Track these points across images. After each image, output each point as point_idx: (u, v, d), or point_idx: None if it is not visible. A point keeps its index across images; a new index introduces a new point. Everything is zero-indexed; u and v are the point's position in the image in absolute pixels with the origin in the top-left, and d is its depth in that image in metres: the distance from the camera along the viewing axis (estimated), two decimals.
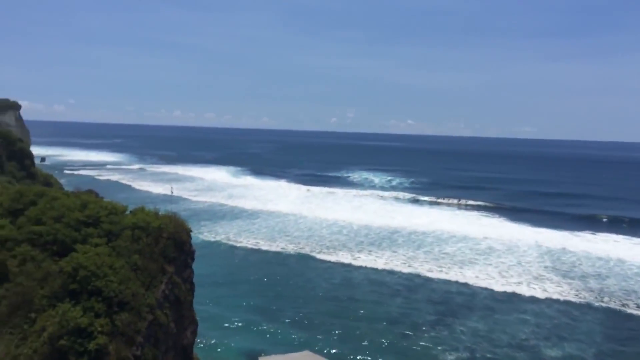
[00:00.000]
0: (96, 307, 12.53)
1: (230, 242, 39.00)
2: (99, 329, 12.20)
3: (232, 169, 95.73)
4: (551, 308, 26.85)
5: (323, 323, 23.96)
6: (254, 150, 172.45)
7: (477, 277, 31.85)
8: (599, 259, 36.99)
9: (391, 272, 32.50)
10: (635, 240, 43.71)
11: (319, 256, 35.90)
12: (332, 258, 35.37)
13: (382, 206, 58.85)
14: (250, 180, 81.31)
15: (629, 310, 26.87)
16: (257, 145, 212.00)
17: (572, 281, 31.53)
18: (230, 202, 57.67)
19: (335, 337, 22.45)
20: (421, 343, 21.97)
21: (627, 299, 28.43)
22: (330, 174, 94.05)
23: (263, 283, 29.97)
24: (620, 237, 44.75)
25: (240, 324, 23.59)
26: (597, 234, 45.55)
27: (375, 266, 33.71)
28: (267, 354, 19.62)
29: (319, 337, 22.50)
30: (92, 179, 74.03)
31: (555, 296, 28.72)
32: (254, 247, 37.96)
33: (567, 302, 27.69)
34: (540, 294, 28.85)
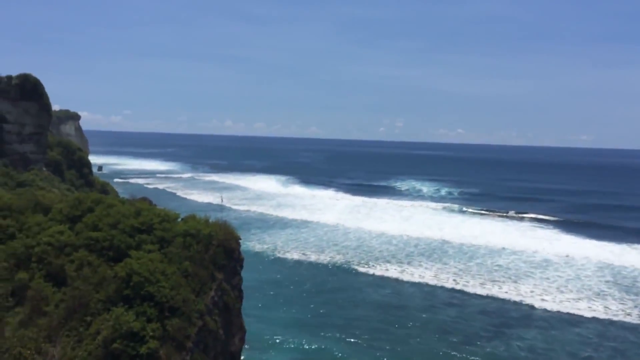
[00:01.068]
0: (148, 312, 12.94)
1: (278, 251, 39.22)
2: (151, 333, 12.57)
3: (281, 177, 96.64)
4: (614, 325, 25.74)
5: (372, 337, 23.73)
6: (302, 160, 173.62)
7: (532, 291, 30.78)
8: None
9: (442, 285, 31.89)
10: None
11: (367, 267, 35.61)
12: (381, 269, 35.02)
13: (431, 216, 57.91)
14: (298, 189, 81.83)
15: None
16: (305, 155, 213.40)
17: (636, 297, 30.11)
18: (279, 211, 58.10)
19: (384, 351, 22.27)
20: (476, 358, 21.45)
21: None
22: (378, 184, 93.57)
23: (311, 293, 29.96)
24: None
25: (287, 333, 23.63)
26: None
27: (425, 278, 33.10)
28: None
29: (366, 348, 22.37)
30: (142, 187, 76.24)
31: (617, 313, 27.44)
32: (302, 257, 38.04)
33: (630, 320, 26.48)
34: (602, 310, 27.72)
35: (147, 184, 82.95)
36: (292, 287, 30.83)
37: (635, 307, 28.32)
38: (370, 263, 36.43)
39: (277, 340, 22.85)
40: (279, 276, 33.01)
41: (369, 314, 26.64)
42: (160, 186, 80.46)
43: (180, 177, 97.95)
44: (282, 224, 50.91)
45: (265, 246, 40.68)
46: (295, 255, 38.12)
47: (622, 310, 27.60)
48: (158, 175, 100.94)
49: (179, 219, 17.14)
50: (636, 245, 43.64)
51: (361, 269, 34.89)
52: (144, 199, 20.63)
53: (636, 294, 30.59)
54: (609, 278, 33.90)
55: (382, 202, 68.06)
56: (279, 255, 38.24)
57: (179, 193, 72.44)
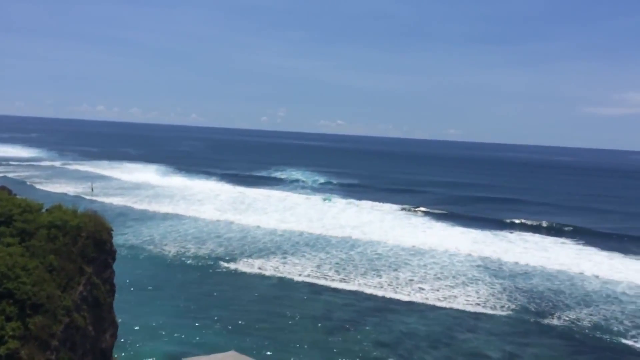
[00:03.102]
0: (7, 310, 11.84)
1: (156, 245, 37.28)
2: (11, 332, 11.60)
3: (159, 167, 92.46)
4: (487, 306, 27.50)
5: (252, 326, 23.33)
6: (182, 148, 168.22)
7: (411, 279, 31.85)
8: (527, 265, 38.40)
9: (325, 274, 32.11)
10: (559, 239, 45.86)
11: (251, 259, 34.99)
12: (264, 260, 34.60)
13: (313, 207, 58.58)
14: (178, 179, 78.81)
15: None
16: (186, 143, 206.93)
17: (503, 281, 32.38)
18: (157, 203, 55.41)
19: (263, 337, 21.99)
20: (362, 344, 21.81)
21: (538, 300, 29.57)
22: (260, 174, 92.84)
23: (190, 286, 28.80)
24: (548, 240, 46.51)
25: (164, 326, 22.54)
26: (525, 235, 47.55)
27: (308, 268, 33.20)
28: (190, 355, 19.07)
29: (246, 338, 21.95)
30: (3, 176, 69.23)
31: (489, 297, 29.34)
32: (182, 249, 36.49)
33: (499, 302, 28.47)
34: (474, 294, 29.45)
35: (5, 172, 75.18)
36: (170, 280, 29.40)
37: (504, 290, 30.39)
38: (254, 254, 35.78)
39: (153, 334, 21.71)
40: (156, 269, 31.40)
41: (250, 305, 26.09)
42: (23, 174, 73.60)
43: (46, 165, 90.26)
44: (161, 215, 48.65)
45: (142, 239, 38.58)
46: (174, 248, 36.46)
47: (492, 295, 29.43)
48: (18, 162, 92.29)
49: (43, 210, 15.58)
50: (500, 233, 47.27)
51: (244, 260, 34.14)
52: (3, 188, 18.40)
53: (503, 278, 32.86)
54: (479, 263, 36.17)
55: (264, 193, 67.58)
56: (156, 248, 36.37)
57: (44, 182, 66.54)
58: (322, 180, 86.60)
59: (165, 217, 48.18)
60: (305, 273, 32.08)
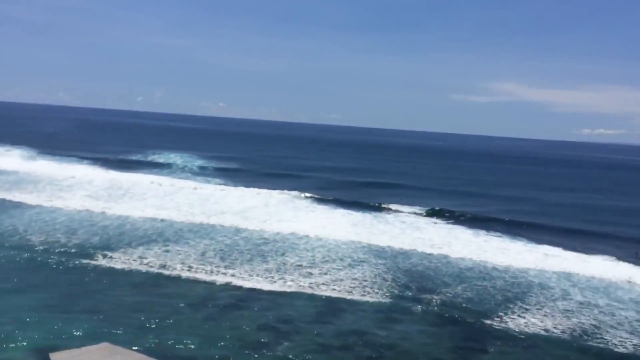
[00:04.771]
0: None
1: (20, 235, 33.87)
2: None
3: (21, 150, 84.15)
4: (374, 286, 28.08)
5: (123, 315, 21.96)
6: (49, 129, 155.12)
7: (299, 265, 31.94)
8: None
9: (210, 260, 30.98)
10: (431, 219, 48.42)
11: (129, 247, 32.83)
12: (145, 248, 32.61)
13: (195, 191, 56.65)
14: (45, 163, 71.97)
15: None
16: (53, 124, 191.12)
17: (385, 261, 33.32)
18: (20, 191, 50.31)
19: (138, 327, 20.71)
20: (243, 329, 21.29)
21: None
22: (137, 158, 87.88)
23: (58, 277, 26.44)
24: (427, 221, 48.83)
25: (31, 321, 20.37)
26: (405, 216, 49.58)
27: (192, 256, 31.90)
28: (61, 349, 17.61)
29: (120, 328, 20.50)
30: None
31: (375, 278, 29.97)
32: (50, 239, 33.42)
33: (384, 280, 29.19)
34: (360, 275, 29.98)
35: None
36: (37, 273, 26.64)
37: (388, 270, 31.22)
38: (133, 243, 33.49)
39: (20, 328, 19.53)
40: (21, 262, 28.37)
41: (127, 295, 24.33)
42: None
43: None
44: (25, 204, 44.31)
45: (3, 229, 34.84)
46: (41, 239, 33.07)
47: (379, 275, 30.15)
48: None
49: None
50: (379, 214, 49.01)
51: (122, 249, 31.85)
52: None
53: (385, 258, 33.80)
54: (363, 245, 36.95)
55: (142, 178, 63.98)
56: (21, 239, 32.94)
57: None
58: (203, 164, 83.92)
59: (31, 205, 43.92)
60: (189, 261, 30.76)
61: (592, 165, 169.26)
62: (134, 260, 30.25)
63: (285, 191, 59.06)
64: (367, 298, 26.31)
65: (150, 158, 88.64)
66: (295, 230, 40.22)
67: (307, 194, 58.06)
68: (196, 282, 27.45)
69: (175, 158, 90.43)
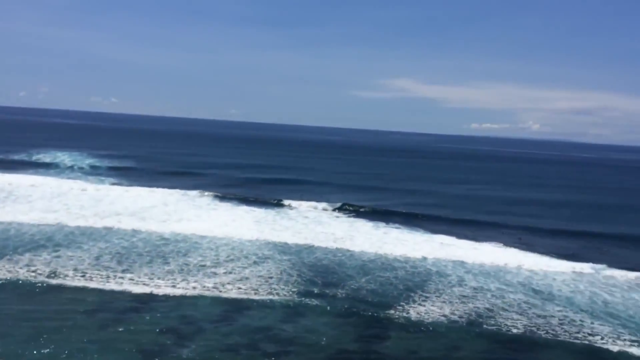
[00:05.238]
0: None
1: None
2: None
3: None
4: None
5: (10, 328, 20.25)
6: None
7: (203, 264, 31.10)
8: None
9: (104, 264, 29.43)
10: (333, 214, 49.15)
11: (13, 255, 30.25)
12: (32, 255, 30.28)
13: (88, 192, 53.47)
14: None
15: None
16: None
17: (290, 257, 33.31)
18: None
19: (24, 341, 19.14)
20: (125, 331, 20.31)
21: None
22: (21, 157, 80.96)
23: None
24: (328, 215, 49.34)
25: None
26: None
27: (85, 260, 30.07)
28: None
29: (6, 344, 18.88)
30: None
31: (288, 277, 29.78)
32: None
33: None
34: (265, 272, 29.70)
35: None
36: None
37: (293, 265, 31.19)
38: (19, 249, 30.68)
39: None
40: None
41: (12, 306, 22.39)
42: None
43: None
44: None
45: None
46: None
47: (284, 271, 30.05)
48: None
49: None
50: (282, 210, 49.13)
51: (7, 257, 29.13)
52: None
53: (290, 254, 33.71)
54: (267, 241, 36.61)
55: (27, 179, 59.23)
56: None
57: None
58: (94, 163, 79.26)
59: None
60: (82, 266, 28.91)
61: (481, 158, 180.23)
62: (20, 268, 27.91)
63: (185, 190, 57.33)
64: (273, 295, 26.12)
65: (35, 157, 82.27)
66: (197, 230, 39.12)
67: (208, 192, 56.67)
68: (91, 288, 25.83)
69: (63, 157, 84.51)
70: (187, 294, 25.64)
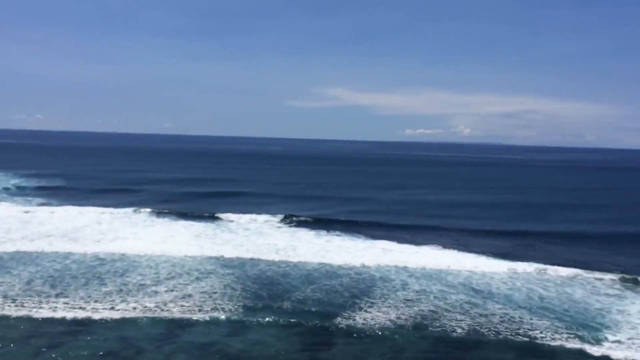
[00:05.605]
0: None
1: None
2: None
3: None
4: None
5: None
6: None
7: (142, 283, 30.04)
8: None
9: (37, 291, 27.92)
10: (274, 224, 48.83)
11: None
12: None
13: (11, 215, 50.70)
14: None
15: None
16: None
17: (233, 270, 32.74)
18: None
19: None
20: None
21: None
22: None
23: None
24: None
25: None
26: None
27: (14, 287, 28.38)
28: None
29: None
30: None
31: (233, 290, 29.18)
32: None
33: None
34: (210, 280, 29.02)
35: None
36: None
37: (237, 279, 30.67)
38: None
39: None
40: None
41: None
42: None
43: None
44: None
45: None
46: None
47: (228, 286, 29.49)
48: None
49: None
50: (223, 223, 48.37)
51: None
52: None
53: (233, 267, 33.18)
54: (209, 256, 35.89)
55: None
56: None
57: None
58: (20, 183, 75.37)
59: None
60: (12, 292, 27.30)
61: (416, 163, 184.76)
62: None
63: (120, 207, 55.34)
64: (218, 310, 25.57)
65: None
66: (135, 248, 37.83)
67: (144, 209, 54.92)
68: (23, 315, 24.40)
69: None
70: (127, 316, 24.68)
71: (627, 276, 32.83)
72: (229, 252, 37.36)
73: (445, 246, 40.86)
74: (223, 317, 24.73)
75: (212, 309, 25.69)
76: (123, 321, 24.04)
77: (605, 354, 21.50)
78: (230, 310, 25.64)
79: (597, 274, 33.21)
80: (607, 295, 29.58)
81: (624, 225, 52.91)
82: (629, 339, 23.06)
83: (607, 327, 24.36)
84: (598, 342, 22.65)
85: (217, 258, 35.72)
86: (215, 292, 28.22)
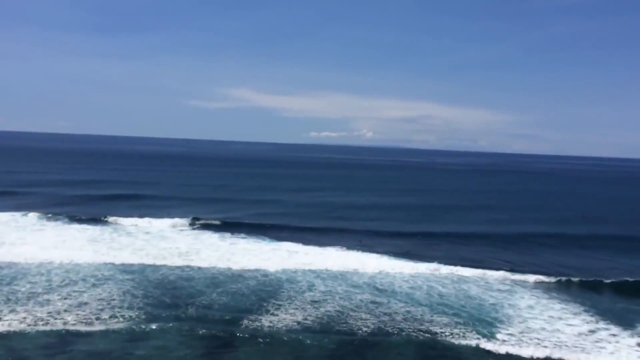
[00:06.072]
0: None
1: None
2: None
3: None
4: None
5: None
6: None
7: (32, 291, 27.86)
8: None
9: None
10: (177, 227, 47.34)
11: None
12: None
13: None
14: None
15: None
16: None
17: (133, 276, 31.26)
18: None
19: None
20: None
21: None
22: None
23: None
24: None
25: None
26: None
27: None
28: None
29: None
30: None
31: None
32: None
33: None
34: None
35: None
36: None
37: (138, 285, 29.30)
38: None
39: None
40: None
41: None
42: None
43: None
44: None
45: None
46: None
47: (128, 292, 28.06)
48: None
49: None
50: (120, 226, 46.21)
51: None
52: None
53: (133, 273, 31.67)
54: (107, 261, 34.07)
55: None
56: None
57: None
58: None
59: None
60: None
61: (322, 165, 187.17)
62: None
63: (5, 211, 51.22)
64: (117, 318, 24.30)
65: None
66: (23, 254, 35.12)
67: (33, 212, 51.20)
68: None
69: None
70: (16, 327, 22.78)
71: (515, 273, 35.12)
72: (128, 257, 35.72)
73: (350, 247, 41.57)
74: (123, 325, 23.53)
75: (110, 317, 24.37)
76: (12, 334, 22.16)
77: (499, 347, 22.77)
78: (130, 317, 24.46)
79: (490, 272, 35.20)
80: (500, 290, 31.46)
81: (511, 226, 56.66)
82: (520, 332, 24.61)
83: (501, 322, 25.87)
84: (493, 335, 23.98)
85: (114, 264, 33.96)
86: (113, 299, 26.82)
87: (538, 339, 23.74)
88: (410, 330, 24.42)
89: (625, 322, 26.29)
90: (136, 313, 24.92)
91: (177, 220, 49.60)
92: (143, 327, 23.30)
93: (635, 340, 23.77)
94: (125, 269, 32.75)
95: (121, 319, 24.11)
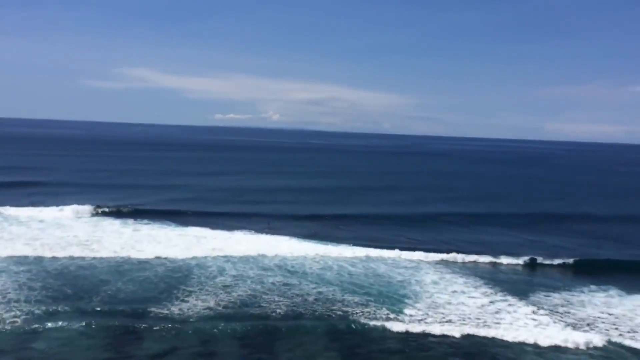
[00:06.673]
0: None
1: None
2: None
3: None
4: None
5: None
6: None
7: None
8: None
9: None
10: (77, 215, 44.85)
11: None
12: None
13: None
14: None
15: None
16: None
17: (29, 267, 29.20)
18: None
19: None
20: None
21: None
22: None
23: None
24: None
25: None
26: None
27: None
28: None
29: None
30: None
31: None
32: None
33: None
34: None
35: None
36: None
37: (35, 277, 27.49)
38: None
39: None
40: None
41: None
42: None
43: None
44: None
45: None
46: None
47: (23, 285, 26.25)
48: None
49: None
50: (13, 216, 43.06)
51: None
52: None
53: (28, 264, 29.64)
54: (1, 257, 31.81)
55: None
56: None
57: None
58: None
59: None
60: None
61: (228, 148, 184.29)
62: None
63: None
64: (13, 312, 22.67)
65: None
66: None
67: None
68: None
69: None
70: None
71: (420, 250, 36.68)
72: (22, 248, 33.33)
73: (259, 231, 41.48)
74: (20, 320, 21.99)
75: (5, 312, 22.68)
76: None
77: (407, 324, 23.67)
78: (29, 311, 22.91)
79: (396, 251, 36.47)
80: (406, 268, 32.75)
81: (416, 206, 58.99)
82: (427, 307, 25.76)
83: (408, 298, 26.95)
84: (401, 311, 24.93)
85: (6, 255, 31.56)
86: (8, 293, 24.99)
87: (443, 313, 24.98)
88: (323, 310, 24.81)
89: (520, 293, 28.35)
90: (34, 307, 23.39)
91: (75, 207, 46.81)
92: (42, 321, 21.96)
93: (531, 308, 25.68)
94: (20, 260, 30.64)
95: (18, 313, 22.56)
